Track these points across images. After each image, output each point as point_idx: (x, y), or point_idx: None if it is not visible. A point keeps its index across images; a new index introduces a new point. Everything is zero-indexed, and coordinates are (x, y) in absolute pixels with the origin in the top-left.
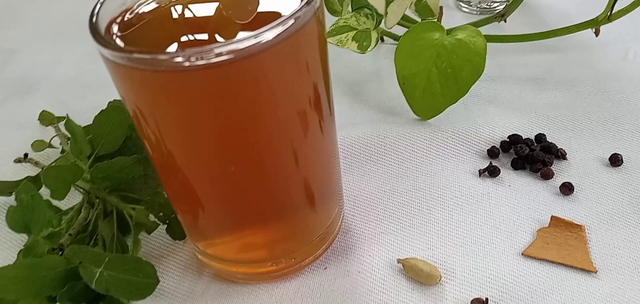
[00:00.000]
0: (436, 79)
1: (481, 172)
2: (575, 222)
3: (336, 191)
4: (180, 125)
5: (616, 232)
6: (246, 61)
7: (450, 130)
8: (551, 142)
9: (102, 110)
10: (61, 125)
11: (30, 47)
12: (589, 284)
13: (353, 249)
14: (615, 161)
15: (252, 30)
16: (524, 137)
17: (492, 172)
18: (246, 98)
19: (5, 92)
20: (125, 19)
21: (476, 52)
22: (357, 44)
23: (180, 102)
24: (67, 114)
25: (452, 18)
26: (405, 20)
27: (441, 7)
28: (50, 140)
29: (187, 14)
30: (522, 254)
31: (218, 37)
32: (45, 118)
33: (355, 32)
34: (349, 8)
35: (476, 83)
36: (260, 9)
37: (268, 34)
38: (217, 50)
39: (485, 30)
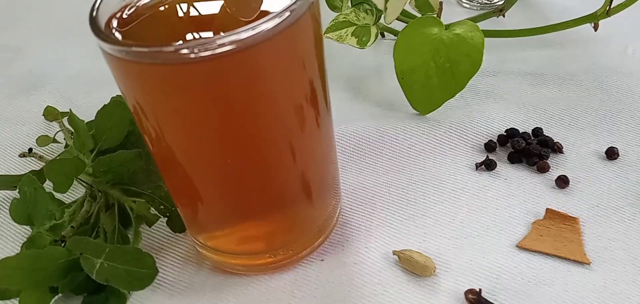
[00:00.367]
0: (434, 74)
1: (478, 166)
2: (570, 215)
3: (333, 184)
4: (178, 118)
5: (611, 225)
6: (241, 54)
7: (448, 124)
8: (548, 136)
9: (105, 105)
10: (65, 120)
11: (37, 45)
12: (582, 276)
13: (350, 241)
14: (612, 154)
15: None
16: (521, 131)
17: (488, 165)
18: (242, 91)
19: (12, 89)
20: (125, 14)
21: (474, 46)
22: (357, 39)
23: (178, 95)
24: (70, 109)
25: (453, 13)
26: (405, 16)
27: (441, 3)
28: (55, 135)
29: (186, 9)
30: (516, 246)
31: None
32: (50, 114)
33: (354, 27)
34: (349, 4)
35: (475, 78)
36: (263, 7)
37: (262, 27)
38: (211, 43)
39: (485, 25)
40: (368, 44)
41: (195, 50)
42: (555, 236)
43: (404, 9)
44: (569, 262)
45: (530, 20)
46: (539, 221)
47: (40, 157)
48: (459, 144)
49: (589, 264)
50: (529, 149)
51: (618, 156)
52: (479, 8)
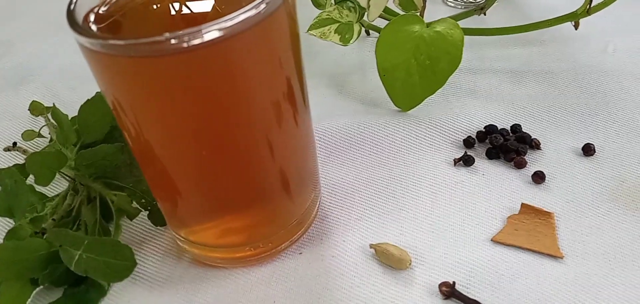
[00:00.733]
0: (415, 71)
1: (456, 162)
2: (545, 209)
3: (311, 178)
4: (154, 112)
5: (585, 219)
6: (215, 47)
7: (428, 121)
8: (526, 133)
9: (88, 99)
10: (50, 115)
11: (27, 40)
12: (555, 269)
13: (328, 235)
14: (588, 150)
15: None
16: (499, 128)
17: (466, 161)
18: (216, 84)
19: (0, 84)
20: (102, 10)
21: (453, 44)
22: (340, 36)
23: (152, 88)
24: (53, 104)
25: (438, 12)
26: (388, 14)
27: (424, 0)
28: (40, 129)
29: (163, 6)
30: (491, 240)
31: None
32: (36, 108)
33: (338, 24)
34: (332, 1)
35: (456, 75)
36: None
37: (234, 20)
38: (183, 37)
39: (467, 23)
40: (351, 41)
41: (169, 44)
42: (530, 231)
43: (387, 7)
44: (542, 256)
45: (511, 18)
46: (514, 216)
47: (25, 152)
48: (439, 140)
49: (562, 258)
50: (507, 145)
51: (595, 152)
52: (463, 7)
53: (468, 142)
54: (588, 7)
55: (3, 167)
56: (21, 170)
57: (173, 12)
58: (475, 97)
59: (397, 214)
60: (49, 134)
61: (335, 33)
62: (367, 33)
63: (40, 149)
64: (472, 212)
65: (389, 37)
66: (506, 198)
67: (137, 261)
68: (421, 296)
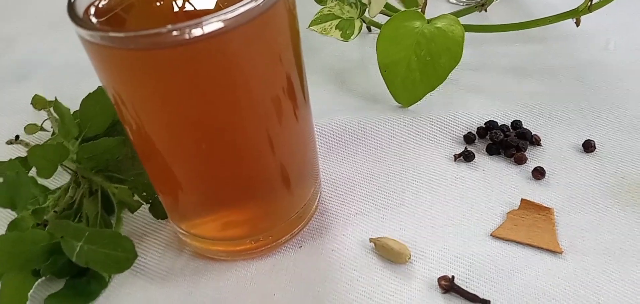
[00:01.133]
0: (416, 67)
1: (456, 157)
2: (545, 205)
3: (311, 172)
4: (154, 105)
5: (584, 215)
6: (214, 40)
7: (429, 116)
8: (526, 129)
9: (90, 93)
10: (53, 109)
11: (29, 35)
12: (554, 264)
13: (328, 229)
14: (588, 147)
15: None
16: (500, 124)
17: (466, 157)
18: (215, 77)
19: (3, 78)
20: (103, 3)
21: (454, 40)
22: (341, 32)
23: (152, 81)
24: (55, 97)
25: (439, 8)
26: (389, 10)
27: None
28: (42, 123)
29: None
30: (490, 235)
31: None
32: (38, 102)
33: (339, 20)
34: None
35: (457, 71)
36: None
37: (233, 14)
38: (183, 29)
39: (468, 20)
40: (352, 37)
41: (168, 36)
42: (529, 226)
43: (388, 3)
44: (541, 251)
45: (512, 15)
46: (514, 211)
47: (27, 145)
48: (439, 135)
49: (561, 253)
50: (507, 141)
51: (595, 148)
52: (465, 3)
53: (468, 138)
54: (589, 4)
55: (5, 160)
56: (23, 163)
57: (173, 5)
58: (475, 94)
59: (397, 209)
60: (51, 127)
61: (336, 29)
62: (368, 29)
63: (42, 142)
64: (471, 207)
65: (389, 33)
66: (506, 194)
67: (138, 253)
68: (420, 290)
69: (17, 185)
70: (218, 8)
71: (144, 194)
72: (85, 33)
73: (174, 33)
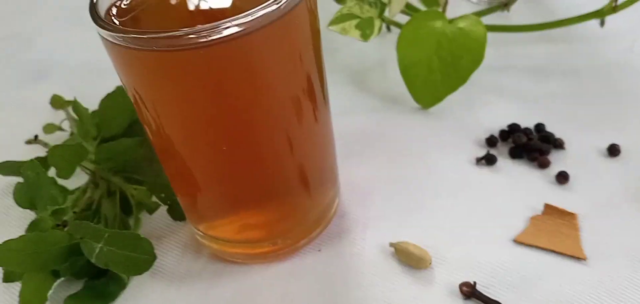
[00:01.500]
0: (437, 68)
1: (478, 161)
2: (569, 210)
3: (331, 175)
4: (175, 106)
5: (609, 221)
6: (236, 42)
7: (450, 119)
8: (550, 132)
9: (109, 94)
10: (71, 109)
11: (48, 34)
12: (578, 271)
13: (347, 233)
14: (613, 151)
15: None
16: (523, 127)
17: (489, 160)
18: (237, 79)
19: (21, 77)
20: (125, 3)
21: (476, 40)
22: (360, 32)
23: (173, 82)
24: (74, 98)
25: (460, 8)
26: (410, 9)
27: None
28: (60, 123)
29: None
30: (513, 240)
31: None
32: (56, 102)
33: (358, 20)
34: None
35: (479, 72)
36: None
37: (256, 15)
38: (205, 31)
39: (490, 20)
40: (371, 37)
41: (189, 38)
42: (553, 231)
43: (409, 3)
44: (565, 257)
45: (536, 15)
46: (537, 216)
47: (46, 145)
48: (461, 138)
49: (585, 260)
50: (530, 145)
51: (620, 152)
52: (487, 3)
53: (490, 141)
54: (614, 4)
55: (25, 160)
56: (43, 163)
57: (194, 7)
58: (498, 95)
59: (418, 213)
60: (70, 127)
61: (355, 28)
62: (388, 29)
63: (60, 142)
64: (494, 212)
65: (410, 33)
66: (529, 198)
67: (157, 255)
68: (441, 296)
69: (37, 186)
70: (240, 10)
71: (163, 195)
72: (107, 34)
73: (194, 36)
